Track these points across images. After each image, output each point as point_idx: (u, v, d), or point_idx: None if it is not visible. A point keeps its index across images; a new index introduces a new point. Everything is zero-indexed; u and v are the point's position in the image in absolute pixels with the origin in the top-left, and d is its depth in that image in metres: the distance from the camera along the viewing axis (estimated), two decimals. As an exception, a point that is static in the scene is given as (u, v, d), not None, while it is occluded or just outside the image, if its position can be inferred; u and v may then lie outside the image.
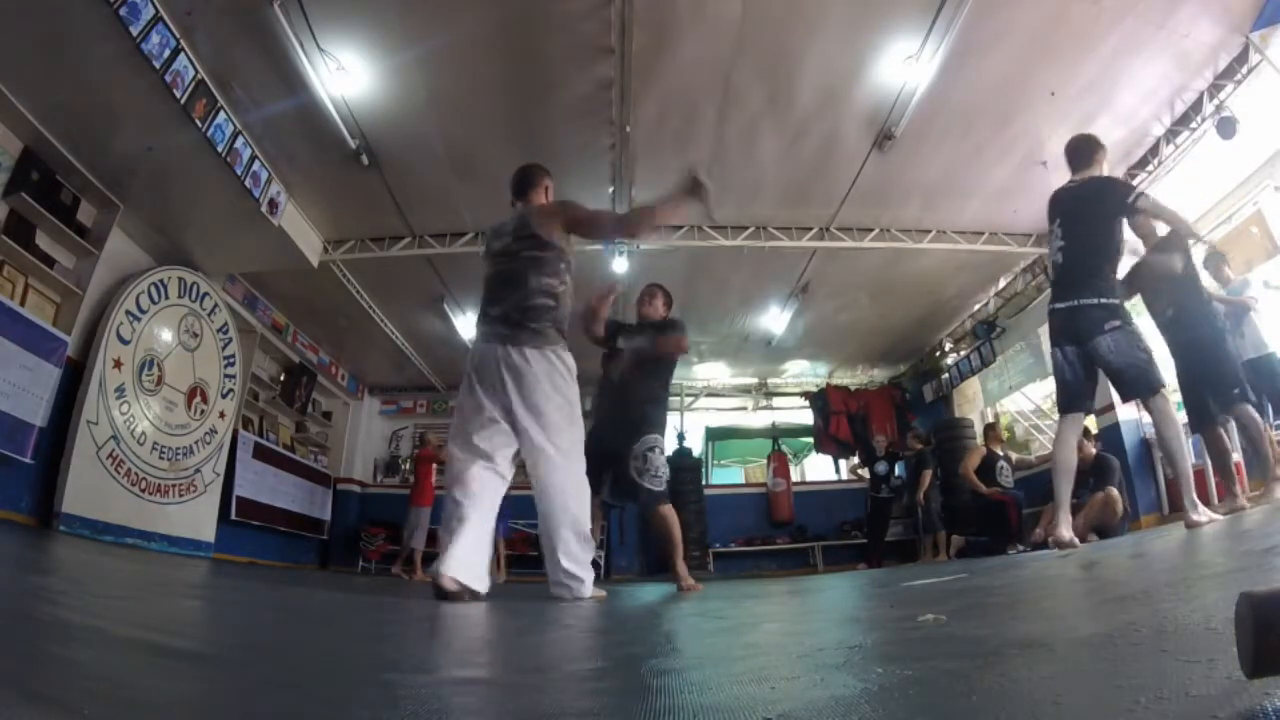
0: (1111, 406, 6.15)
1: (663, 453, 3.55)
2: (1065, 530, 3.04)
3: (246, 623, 1.68)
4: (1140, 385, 2.98)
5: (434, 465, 7.49)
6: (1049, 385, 10.74)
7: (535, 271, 2.65)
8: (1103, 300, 3.02)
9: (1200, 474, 5.18)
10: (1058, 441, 3.23)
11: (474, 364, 2.65)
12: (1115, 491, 5.29)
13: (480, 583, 2.42)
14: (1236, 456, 5.00)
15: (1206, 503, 3.42)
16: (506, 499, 2.67)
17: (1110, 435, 6.14)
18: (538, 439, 2.54)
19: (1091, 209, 3.17)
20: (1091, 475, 5.55)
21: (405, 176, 5.64)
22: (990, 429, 7.08)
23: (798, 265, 7.03)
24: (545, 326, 2.63)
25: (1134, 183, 4.08)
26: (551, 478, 2.55)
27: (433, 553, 2.95)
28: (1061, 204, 3.30)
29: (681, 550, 3.57)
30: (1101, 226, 3.11)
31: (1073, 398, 3.16)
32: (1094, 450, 5.59)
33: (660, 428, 3.63)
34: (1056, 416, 10.02)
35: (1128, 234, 3.33)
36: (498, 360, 2.57)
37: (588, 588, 2.57)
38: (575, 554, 2.55)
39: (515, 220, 2.78)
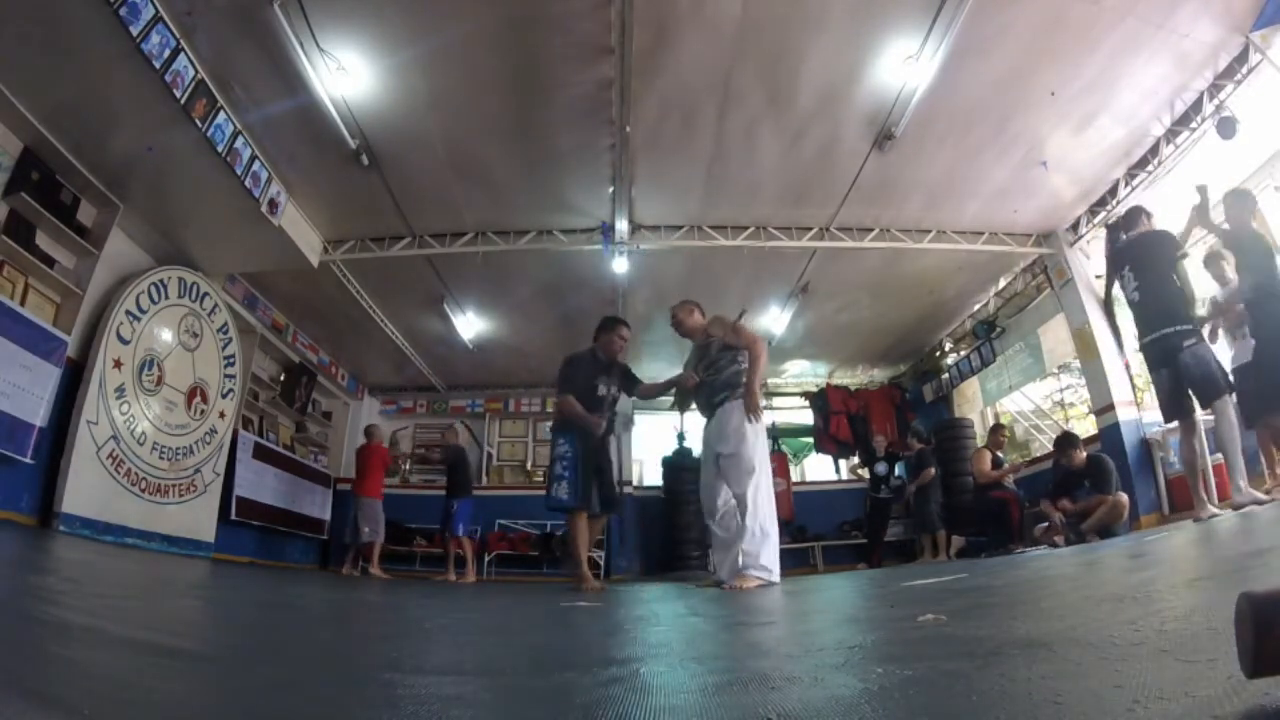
0: (1111, 407, 6.16)
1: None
2: (1207, 508, 3.63)
3: (246, 623, 1.68)
4: (1214, 391, 3.60)
5: (384, 463, 7.49)
6: (1049, 385, 10.82)
7: None
8: (1179, 327, 3.70)
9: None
10: (1182, 445, 3.93)
11: None
12: (1124, 496, 5.37)
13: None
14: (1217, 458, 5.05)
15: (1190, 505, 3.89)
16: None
17: (1110, 435, 6.14)
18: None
19: (1155, 256, 3.91)
20: (1086, 478, 5.59)
21: (405, 176, 5.64)
22: (995, 431, 7.08)
23: (798, 265, 7.03)
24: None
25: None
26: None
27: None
28: (1126, 254, 4.01)
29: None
30: (1165, 269, 3.85)
31: (1177, 408, 3.78)
32: (1083, 455, 5.67)
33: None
34: (1057, 417, 9.95)
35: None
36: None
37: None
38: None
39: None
